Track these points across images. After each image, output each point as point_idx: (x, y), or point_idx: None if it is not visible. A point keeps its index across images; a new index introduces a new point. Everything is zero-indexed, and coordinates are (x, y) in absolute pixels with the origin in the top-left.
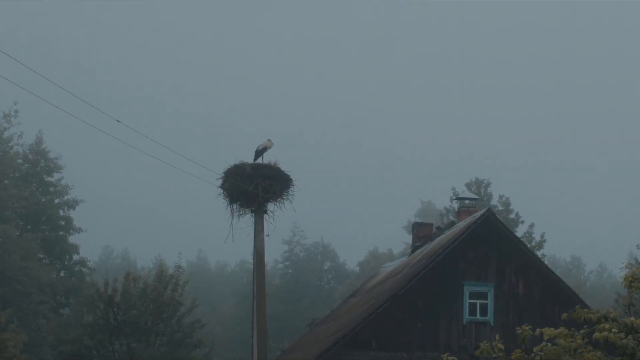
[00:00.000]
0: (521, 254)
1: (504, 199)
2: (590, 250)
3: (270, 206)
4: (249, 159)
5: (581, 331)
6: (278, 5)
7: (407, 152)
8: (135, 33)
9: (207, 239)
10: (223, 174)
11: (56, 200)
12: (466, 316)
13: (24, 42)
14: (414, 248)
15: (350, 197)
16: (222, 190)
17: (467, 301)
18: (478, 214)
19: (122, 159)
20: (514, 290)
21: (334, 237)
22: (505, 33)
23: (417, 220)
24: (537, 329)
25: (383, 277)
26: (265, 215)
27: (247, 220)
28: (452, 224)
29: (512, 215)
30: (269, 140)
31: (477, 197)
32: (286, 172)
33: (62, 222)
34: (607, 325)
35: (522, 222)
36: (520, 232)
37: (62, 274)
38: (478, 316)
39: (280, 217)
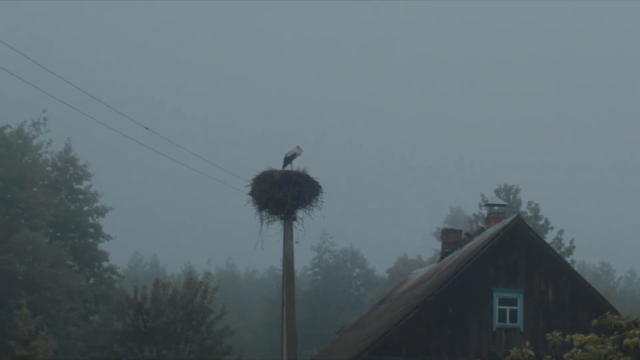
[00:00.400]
0: (550, 260)
1: (533, 205)
2: (619, 256)
3: (300, 213)
4: (278, 166)
5: (611, 337)
6: (287, 5)
7: (436, 159)
8: (171, 48)
9: (236, 246)
10: (252, 181)
11: (85, 208)
12: (496, 322)
13: (34, 46)
14: (443, 254)
15: (379, 203)
16: (251, 197)
17: (496, 307)
18: (507, 220)
19: (151, 166)
20: (544, 296)
21: (363, 244)
22: (530, 33)
23: (447, 226)
24: (567, 336)
25: (412, 283)
26: (295, 222)
27: (276, 227)
28: (482, 230)
29: (542, 222)
30: (298, 147)
31: (506, 203)
32: (315, 179)
33: (92, 230)
34: (637, 332)
35: (552, 228)
36: (549, 238)
37: (91, 281)
38: (508, 322)
39: (310, 224)
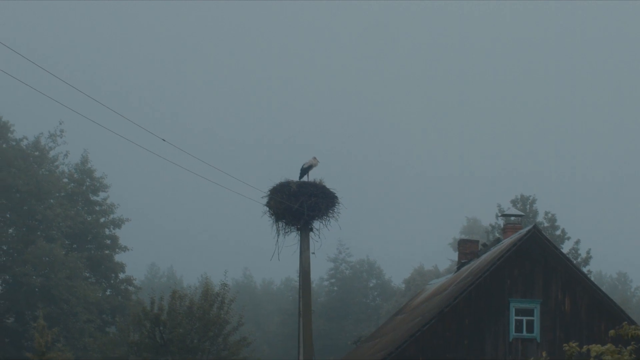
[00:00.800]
0: (567, 270)
1: (549, 215)
2: (636, 266)
3: (316, 224)
4: (295, 177)
5: (628, 347)
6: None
7: (452, 170)
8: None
9: (252, 257)
10: (269, 192)
11: (102, 219)
12: (512, 333)
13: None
14: (460, 265)
15: (396, 214)
16: (267, 209)
17: (513, 318)
18: (524, 231)
19: (168, 177)
20: (561, 306)
21: (380, 255)
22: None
23: (463, 237)
24: (584, 346)
25: (429, 294)
26: (311, 233)
27: (293, 238)
28: (498, 240)
29: (558, 232)
30: (315, 158)
31: (522, 213)
32: (331, 190)
33: (108, 241)
34: None
35: (568, 238)
36: (566, 248)
37: (108, 292)
38: (524, 333)
39: (326, 235)
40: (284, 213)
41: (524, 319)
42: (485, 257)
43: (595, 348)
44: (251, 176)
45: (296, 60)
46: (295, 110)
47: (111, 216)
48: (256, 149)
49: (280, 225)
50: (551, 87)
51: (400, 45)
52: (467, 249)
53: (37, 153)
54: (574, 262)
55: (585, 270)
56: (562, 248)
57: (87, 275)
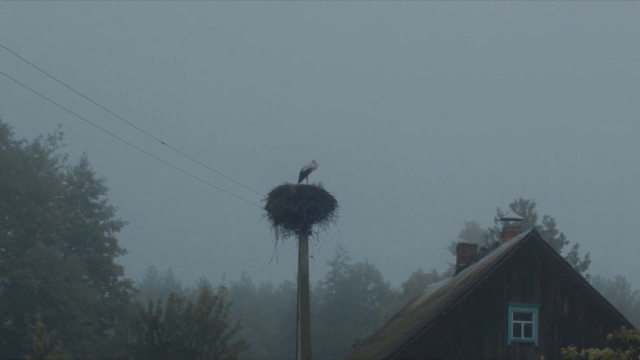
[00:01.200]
0: (566, 274)
1: (548, 219)
2: (635, 271)
3: (315, 227)
4: (294, 180)
5: (627, 352)
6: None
7: (451, 173)
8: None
9: (251, 260)
10: (267, 195)
11: (101, 222)
12: (511, 337)
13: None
14: (459, 269)
15: (394, 217)
16: (266, 212)
17: (511, 322)
18: (523, 235)
19: (167, 180)
20: (559, 310)
21: (378, 258)
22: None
23: (462, 240)
24: (583, 350)
25: (427, 297)
26: (310, 237)
27: (292, 241)
28: (497, 244)
29: (557, 236)
30: (314, 161)
31: (521, 217)
32: (330, 194)
33: (107, 244)
34: None
35: (567, 242)
36: (564, 252)
37: (106, 295)
38: (522, 337)
39: (325, 238)
40: (282, 216)
41: (522, 322)
42: (483, 260)
43: (594, 352)
44: (250, 178)
45: (295, 60)
46: (293, 110)
47: (110, 219)
48: (255, 150)
49: (279, 228)
50: (551, 87)
51: (400, 45)
52: (465, 252)
53: (36, 155)
54: (573, 266)
55: (583, 274)
56: (561, 252)
57: (86, 277)
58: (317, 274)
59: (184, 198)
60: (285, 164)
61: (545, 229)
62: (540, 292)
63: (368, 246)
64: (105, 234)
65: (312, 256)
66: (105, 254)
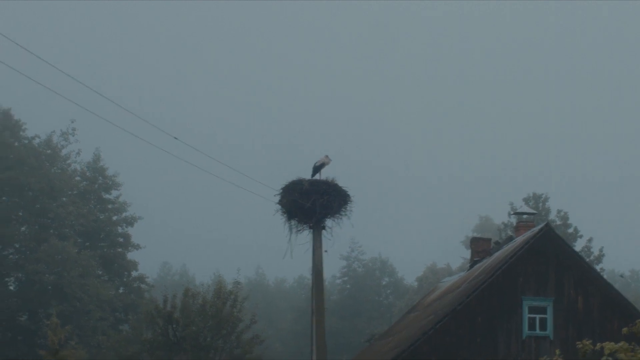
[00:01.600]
0: (580, 268)
1: (562, 213)
2: None
3: (328, 222)
4: (307, 175)
5: None
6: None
7: (464, 168)
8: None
9: (265, 255)
10: (281, 190)
11: (114, 217)
12: (525, 331)
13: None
14: (473, 263)
15: (408, 212)
16: (280, 207)
17: (526, 316)
18: (536, 229)
19: (180, 175)
20: (573, 304)
21: (392, 253)
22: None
23: (476, 235)
24: (598, 344)
25: (442, 292)
26: (324, 231)
27: (305, 236)
28: (511, 238)
29: (571, 230)
30: (327, 156)
31: (535, 211)
32: (344, 188)
33: (121, 239)
34: None
35: (581, 236)
36: (578, 246)
37: (120, 290)
38: (537, 331)
39: (339, 233)
40: (296, 211)
41: (537, 316)
42: (497, 255)
43: (609, 346)
44: (264, 174)
45: (295, 60)
46: (293, 110)
47: (123, 214)
48: (254, 150)
49: (293, 223)
50: (553, 86)
51: (400, 46)
52: (479, 247)
53: (49, 151)
54: (587, 260)
55: (597, 268)
56: (575, 246)
57: (100, 273)
58: (331, 269)
59: (197, 193)
60: (284, 164)
61: (558, 222)
62: (555, 286)
63: (382, 241)
64: (119, 230)
65: (326, 251)
66: (119, 250)
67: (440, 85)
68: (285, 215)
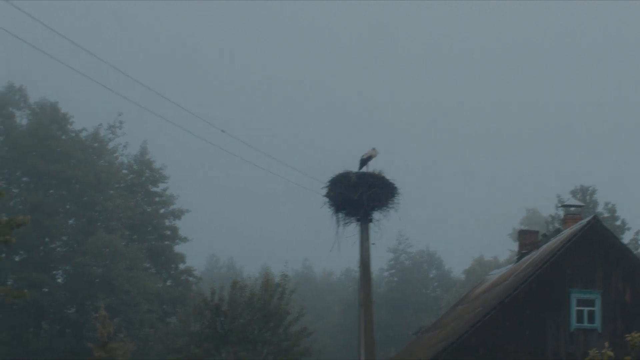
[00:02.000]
0: (628, 260)
1: (609, 206)
2: None
3: (376, 214)
4: (354, 168)
5: None
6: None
7: (512, 160)
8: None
9: (312, 248)
10: (328, 183)
11: (161, 210)
12: (573, 323)
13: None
14: (520, 255)
15: (456, 204)
16: (327, 199)
17: (574, 308)
18: (584, 221)
19: (227, 168)
20: (621, 297)
21: (440, 245)
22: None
23: (523, 227)
24: None
25: (489, 284)
26: (371, 224)
27: (353, 228)
28: (558, 231)
29: (618, 222)
30: (374, 149)
31: (582, 204)
32: (391, 181)
33: (168, 232)
34: None
35: (628, 229)
36: (626, 238)
37: (168, 283)
38: (585, 323)
39: (386, 226)
40: (343, 204)
41: (585, 309)
42: (545, 247)
43: None
44: (311, 167)
45: (295, 60)
46: (293, 110)
47: (171, 207)
48: (317, 140)
49: (340, 216)
50: (553, 86)
51: (401, 46)
52: (527, 239)
53: (96, 144)
54: (635, 252)
55: None
56: (622, 239)
57: (147, 265)
58: (379, 262)
59: (244, 186)
60: (345, 154)
61: (606, 215)
62: (602, 279)
63: (429, 233)
64: (166, 222)
65: (373, 243)
66: (167, 242)
67: (441, 83)
68: (332, 208)
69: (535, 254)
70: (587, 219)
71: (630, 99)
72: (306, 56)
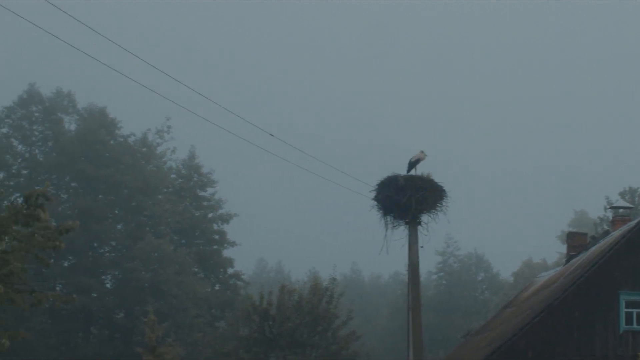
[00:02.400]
0: None
1: None
2: None
3: (424, 217)
4: (402, 171)
5: None
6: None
7: (560, 162)
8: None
9: (361, 252)
10: (376, 186)
11: (210, 215)
12: (622, 325)
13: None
14: (569, 258)
15: (504, 207)
16: (375, 203)
17: (623, 310)
18: (633, 223)
19: (275, 172)
20: None
21: (488, 248)
22: None
23: (571, 230)
24: None
25: (538, 287)
26: (419, 227)
27: (401, 231)
28: (607, 233)
29: None
30: (422, 151)
31: (631, 205)
32: (439, 184)
33: (216, 236)
34: None
35: None
36: None
37: (216, 287)
38: (634, 325)
39: (434, 229)
40: (392, 207)
41: (634, 311)
42: (594, 249)
43: None
44: (359, 170)
45: (295, 60)
46: (293, 110)
47: (219, 211)
48: (364, 143)
49: (389, 219)
50: (553, 84)
51: (401, 46)
52: (575, 241)
53: (144, 149)
54: None
55: None
56: None
57: (196, 270)
58: (427, 265)
59: (292, 190)
60: (392, 158)
61: None
62: None
63: (478, 236)
64: (215, 227)
65: (422, 246)
66: (215, 247)
67: (441, 83)
68: (380, 211)
69: (583, 256)
70: (636, 220)
71: None
72: (306, 56)
